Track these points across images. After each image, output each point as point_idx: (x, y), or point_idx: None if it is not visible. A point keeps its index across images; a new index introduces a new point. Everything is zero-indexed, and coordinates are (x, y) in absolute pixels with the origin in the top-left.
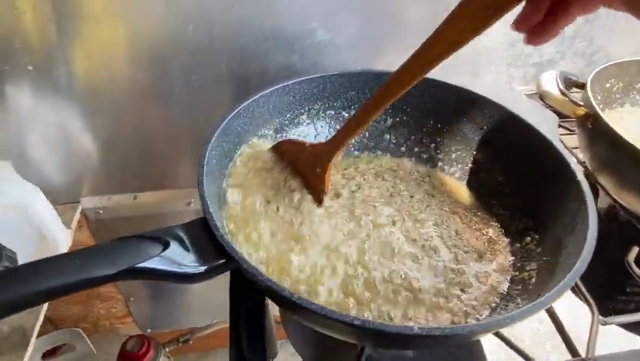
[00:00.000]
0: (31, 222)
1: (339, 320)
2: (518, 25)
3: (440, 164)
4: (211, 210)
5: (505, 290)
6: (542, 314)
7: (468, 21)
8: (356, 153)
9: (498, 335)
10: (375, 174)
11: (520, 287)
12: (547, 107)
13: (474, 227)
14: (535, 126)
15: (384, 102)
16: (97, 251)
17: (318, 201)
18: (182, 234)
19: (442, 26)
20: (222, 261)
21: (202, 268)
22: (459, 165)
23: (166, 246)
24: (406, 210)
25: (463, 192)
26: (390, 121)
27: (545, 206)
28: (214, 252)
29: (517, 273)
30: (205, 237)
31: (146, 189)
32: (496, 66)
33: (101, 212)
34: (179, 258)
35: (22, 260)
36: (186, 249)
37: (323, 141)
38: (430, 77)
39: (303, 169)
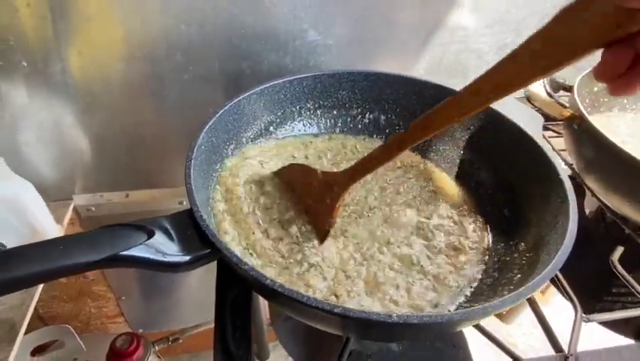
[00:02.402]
0: (22, 216)
1: (319, 307)
2: (598, 74)
3: (429, 162)
4: (197, 202)
5: (490, 286)
6: (534, 317)
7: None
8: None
9: (487, 334)
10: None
11: (504, 283)
12: (533, 109)
13: (459, 222)
14: (520, 126)
15: (420, 135)
16: (81, 238)
17: (322, 235)
18: (167, 224)
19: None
20: (207, 251)
21: (186, 258)
22: (447, 164)
23: (150, 235)
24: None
25: (451, 187)
26: (383, 119)
27: (530, 204)
28: (199, 242)
29: (501, 269)
30: (190, 227)
31: (138, 187)
32: (486, 68)
33: (93, 209)
34: (164, 247)
35: None
36: (171, 238)
37: (327, 172)
38: (419, 77)
39: (309, 198)
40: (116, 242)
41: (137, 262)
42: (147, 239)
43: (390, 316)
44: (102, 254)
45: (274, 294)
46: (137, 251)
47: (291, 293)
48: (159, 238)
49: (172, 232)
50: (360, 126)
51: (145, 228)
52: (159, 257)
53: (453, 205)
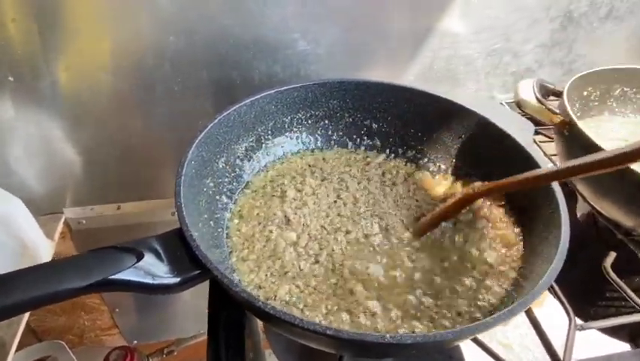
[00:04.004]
0: (11, 232)
1: (311, 329)
2: None
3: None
4: (187, 221)
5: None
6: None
7: None
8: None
9: (482, 346)
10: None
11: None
12: (524, 115)
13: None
14: (511, 135)
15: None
16: (68, 263)
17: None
18: (156, 245)
19: None
20: (197, 272)
21: (176, 279)
22: (440, 172)
23: (140, 257)
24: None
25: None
26: (375, 127)
27: (521, 213)
28: (189, 263)
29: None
30: (180, 248)
31: (129, 199)
32: (476, 75)
33: (84, 222)
34: (154, 269)
35: (2, 271)
36: (161, 260)
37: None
38: (410, 85)
39: None
40: (105, 266)
41: (127, 286)
42: (137, 262)
43: (383, 336)
44: (91, 279)
45: (266, 316)
46: (126, 275)
47: (283, 316)
48: (149, 260)
49: (161, 252)
50: (355, 135)
51: (134, 250)
52: (149, 280)
53: None
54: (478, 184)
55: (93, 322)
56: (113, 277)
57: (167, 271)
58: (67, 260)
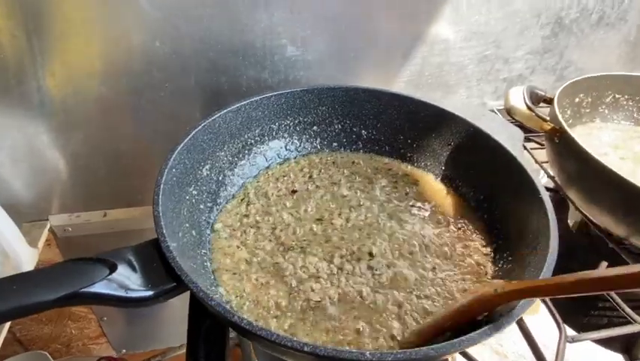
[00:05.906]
0: None
1: (288, 345)
2: None
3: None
4: (165, 231)
5: None
6: None
7: None
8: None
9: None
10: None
11: None
12: (514, 123)
13: (448, 237)
14: (500, 142)
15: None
16: (37, 275)
17: None
18: (131, 256)
19: None
20: (173, 284)
21: (150, 292)
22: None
23: (113, 269)
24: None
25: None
26: (364, 134)
27: (511, 222)
28: (164, 275)
29: None
30: (157, 259)
31: (116, 205)
32: (467, 81)
33: (69, 229)
34: (127, 281)
35: None
36: (135, 271)
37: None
38: (399, 92)
39: None
40: (76, 279)
41: (99, 299)
42: (109, 273)
43: (363, 354)
44: (60, 292)
45: (243, 331)
46: (97, 288)
47: (259, 331)
48: (122, 271)
49: (136, 264)
50: (345, 142)
51: (107, 261)
52: (121, 293)
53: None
54: (500, 283)
55: (80, 331)
56: (84, 290)
57: (141, 283)
58: (36, 273)
